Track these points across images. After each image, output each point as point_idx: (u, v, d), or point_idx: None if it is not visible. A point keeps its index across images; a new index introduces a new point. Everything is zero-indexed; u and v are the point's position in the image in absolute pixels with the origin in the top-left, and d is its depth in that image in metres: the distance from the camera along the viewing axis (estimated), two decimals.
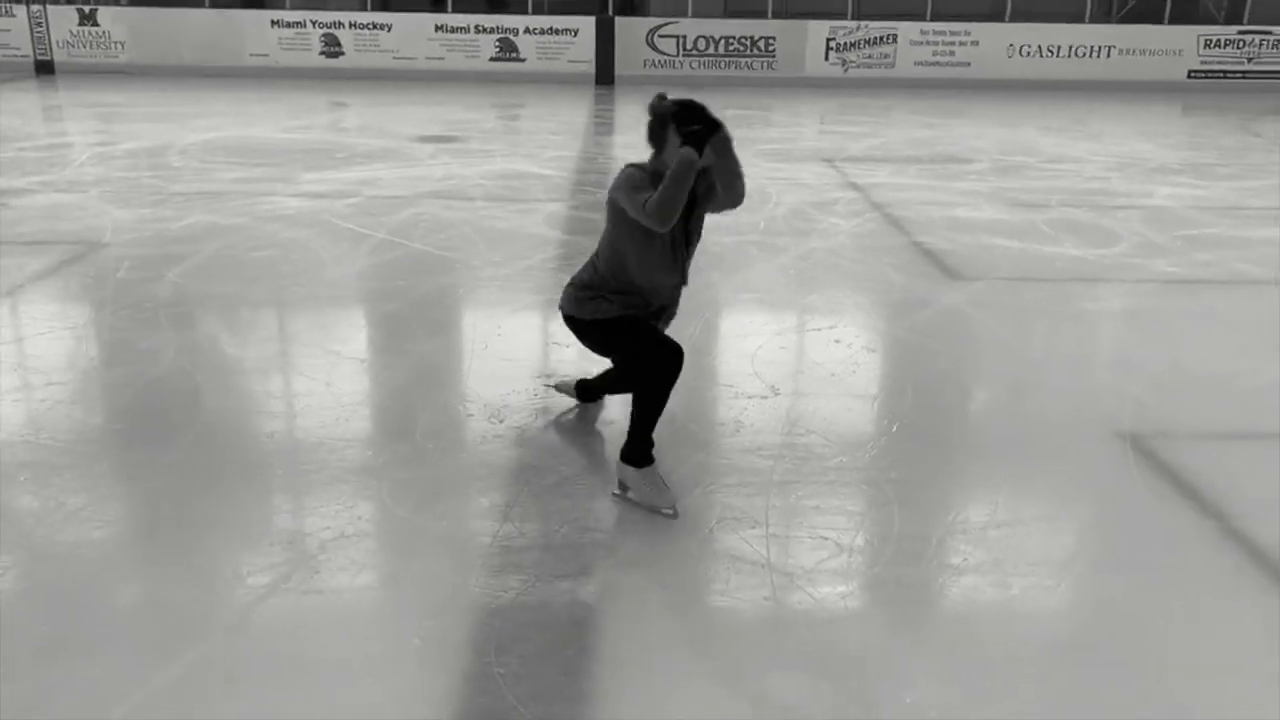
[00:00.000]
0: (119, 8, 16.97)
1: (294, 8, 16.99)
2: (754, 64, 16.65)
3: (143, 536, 3.10)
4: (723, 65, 16.83)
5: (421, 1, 17.91)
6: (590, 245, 3.58)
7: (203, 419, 3.81)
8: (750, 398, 4.06)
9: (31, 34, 16.52)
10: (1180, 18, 17.37)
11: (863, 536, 3.08)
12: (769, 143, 10.86)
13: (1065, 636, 2.70)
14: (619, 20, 16.85)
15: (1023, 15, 17.07)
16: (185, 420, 3.78)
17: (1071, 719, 2.38)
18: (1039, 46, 16.99)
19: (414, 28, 16.85)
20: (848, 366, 4.45)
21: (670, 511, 3.16)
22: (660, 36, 16.75)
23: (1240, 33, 17.06)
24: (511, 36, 16.84)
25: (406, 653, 2.51)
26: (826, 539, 3.03)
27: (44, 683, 2.38)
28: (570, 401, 3.92)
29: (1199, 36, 17.05)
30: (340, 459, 3.49)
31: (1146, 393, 4.21)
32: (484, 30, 16.83)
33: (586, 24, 16.73)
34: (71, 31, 16.61)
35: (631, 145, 8.82)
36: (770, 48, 16.84)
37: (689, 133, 3.03)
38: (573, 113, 13.30)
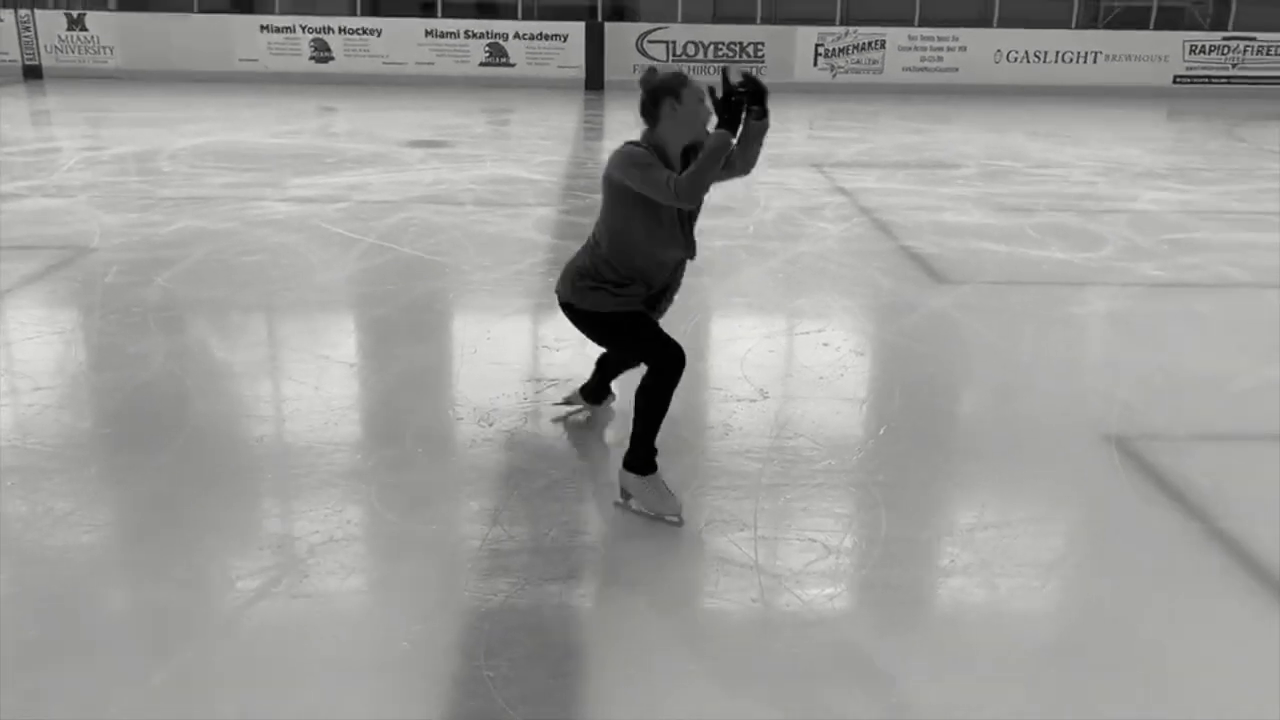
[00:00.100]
0: (108, 12, 16.94)
1: (283, 13, 16.98)
2: (743, 69, 16.70)
3: (132, 541, 3.10)
4: (712, 71, 16.82)
5: (411, 7, 17.93)
6: None
7: (192, 423, 3.80)
8: (739, 401, 4.07)
9: (20, 38, 16.47)
10: (1166, 24, 17.54)
11: (851, 539, 3.09)
12: None
13: (1053, 637, 2.72)
14: (609, 25, 16.90)
15: (1010, 21, 17.20)
16: (174, 425, 3.77)
17: (1059, 719, 2.39)
18: (1026, 52, 17.12)
19: (404, 33, 16.86)
20: (836, 370, 4.46)
21: (676, 519, 3.12)
22: (650, 42, 16.80)
23: (1225, 39, 17.20)
24: (501, 42, 16.87)
25: (396, 656, 2.51)
26: (815, 541, 3.05)
27: (33, 687, 2.38)
28: (562, 407, 3.91)
29: (1184, 42, 17.20)
30: (329, 463, 3.49)
31: (1133, 395, 4.24)
32: (474, 35, 16.86)
33: (576, 29, 16.77)
34: (60, 36, 16.57)
35: None
36: (759, 53, 16.90)
37: (732, 115, 2.99)
38: (562, 118, 13.32)
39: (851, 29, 17.03)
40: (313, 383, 4.17)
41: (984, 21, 17.43)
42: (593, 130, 12.55)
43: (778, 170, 9.03)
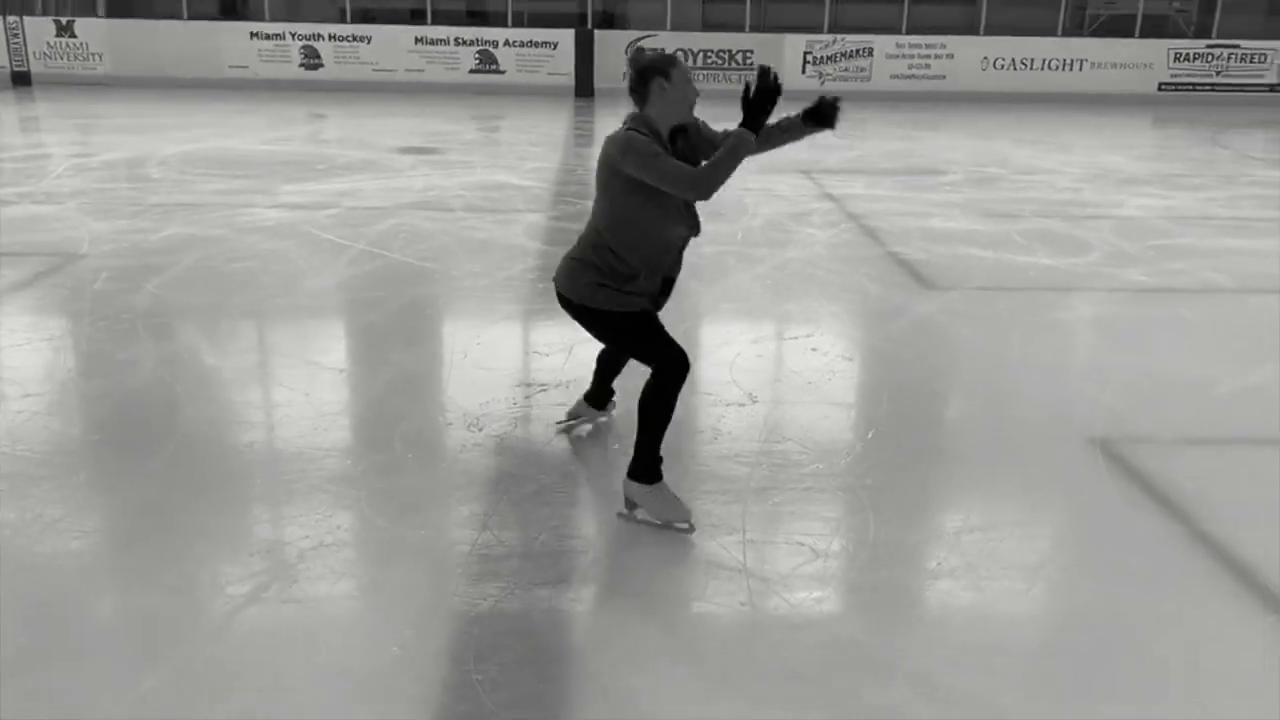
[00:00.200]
0: (97, 19, 16.90)
1: (274, 19, 16.97)
2: (732, 76, 16.73)
3: (121, 547, 3.10)
4: (701, 78, 16.84)
5: (401, 14, 17.95)
6: None
7: (182, 429, 3.81)
8: (728, 405, 4.09)
9: (8, 45, 16.42)
10: (1151, 32, 17.67)
11: (838, 542, 3.11)
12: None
13: (1038, 640, 2.74)
14: (598, 33, 16.94)
15: (997, 29, 17.31)
16: (164, 431, 3.77)
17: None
18: (1013, 60, 17.22)
19: (394, 40, 16.87)
20: (824, 375, 4.49)
21: (686, 526, 3.09)
22: (639, 49, 16.84)
23: (1209, 46, 17.34)
24: (491, 49, 16.89)
25: (385, 661, 2.52)
26: (803, 545, 3.06)
27: (22, 692, 2.37)
28: (553, 413, 3.92)
29: (1169, 50, 17.32)
30: (319, 469, 3.49)
31: (1119, 400, 4.27)
32: (464, 43, 16.87)
33: (566, 36, 16.81)
34: (49, 43, 16.52)
35: None
36: (748, 60, 16.96)
37: (756, 115, 3.07)
38: (552, 125, 13.34)
39: (839, 37, 17.11)
40: (303, 388, 4.18)
41: (971, 29, 17.55)
42: (582, 137, 12.58)
43: (766, 176, 9.07)
